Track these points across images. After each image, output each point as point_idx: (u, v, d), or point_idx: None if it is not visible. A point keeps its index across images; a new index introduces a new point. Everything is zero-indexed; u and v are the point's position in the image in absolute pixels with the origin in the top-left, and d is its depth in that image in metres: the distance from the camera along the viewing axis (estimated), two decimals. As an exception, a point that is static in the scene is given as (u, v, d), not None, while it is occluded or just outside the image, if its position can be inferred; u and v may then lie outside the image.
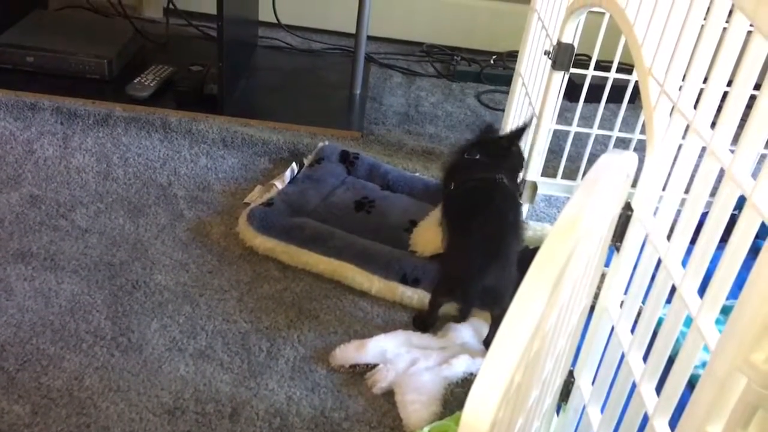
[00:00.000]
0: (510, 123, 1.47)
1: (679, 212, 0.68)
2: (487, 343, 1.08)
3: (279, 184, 1.36)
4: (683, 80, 0.68)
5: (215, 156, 1.48)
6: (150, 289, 1.12)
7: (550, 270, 0.46)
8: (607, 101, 1.40)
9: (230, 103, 1.65)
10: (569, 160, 1.49)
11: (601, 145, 1.68)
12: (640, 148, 1.51)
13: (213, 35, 1.92)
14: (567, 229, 0.48)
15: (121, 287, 1.12)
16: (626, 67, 1.38)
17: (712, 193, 0.64)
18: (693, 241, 0.64)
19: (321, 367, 1.02)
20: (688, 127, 0.66)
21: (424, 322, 1.11)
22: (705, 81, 0.64)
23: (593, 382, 0.81)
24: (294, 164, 1.43)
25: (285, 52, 2.03)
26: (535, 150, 1.29)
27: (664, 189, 0.71)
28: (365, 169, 1.44)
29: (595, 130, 1.44)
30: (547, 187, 1.43)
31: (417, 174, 1.49)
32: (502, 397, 0.45)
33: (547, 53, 1.22)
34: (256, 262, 1.21)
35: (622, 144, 1.59)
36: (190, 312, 1.09)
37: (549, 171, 1.47)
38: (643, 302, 0.72)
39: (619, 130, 1.47)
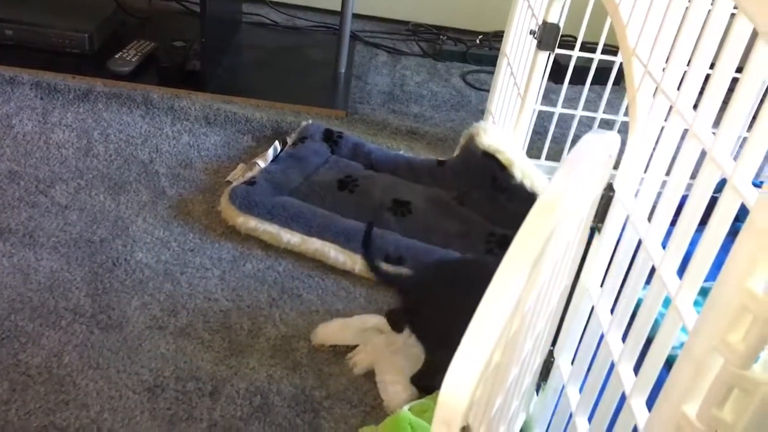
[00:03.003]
0: (495, 103, 1.47)
1: (659, 194, 0.68)
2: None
3: (261, 163, 1.35)
4: (667, 62, 0.68)
5: (198, 133, 1.46)
6: (131, 267, 1.11)
7: (529, 249, 0.46)
8: (592, 83, 1.40)
9: (213, 79, 1.63)
10: (554, 141, 1.49)
11: (586, 126, 1.68)
12: (624, 130, 1.52)
13: (196, 10, 1.89)
14: (547, 209, 0.48)
15: (101, 264, 1.11)
16: (611, 49, 1.38)
17: (693, 176, 0.65)
18: (673, 223, 0.64)
19: (302, 346, 1.02)
20: (671, 108, 0.66)
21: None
22: (688, 64, 0.64)
23: (572, 362, 0.82)
24: (277, 142, 1.42)
25: (269, 29, 2.00)
26: (519, 128, 1.29)
27: (645, 171, 0.71)
28: (349, 148, 1.44)
29: (579, 112, 1.44)
30: (531, 168, 1.43)
31: (401, 152, 1.48)
32: (480, 377, 0.45)
33: (532, 33, 1.22)
34: (239, 240, 1.20)
35: (607, 126, 1.59)
36: (171, 290, 1.08)
37: (533, 152, 1.48)
38: (623, 283, 0.73)
39: (604, 112, 1.47)
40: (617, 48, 1.30)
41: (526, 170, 1.26)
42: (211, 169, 1.38)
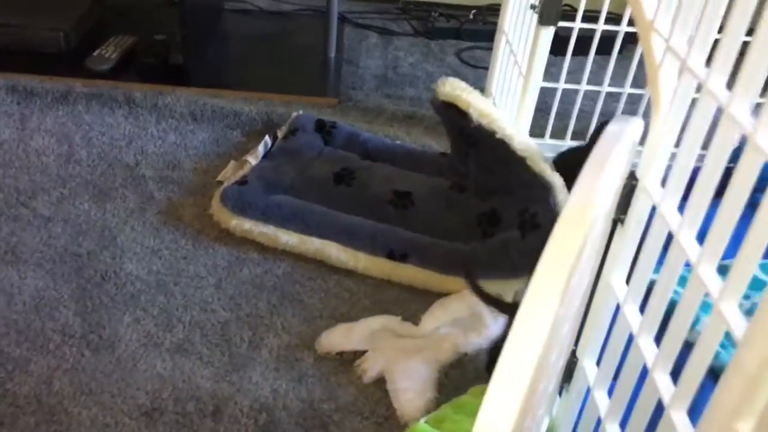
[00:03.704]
0: (495, 82, 1.40)
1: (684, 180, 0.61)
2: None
3: (252, 160, 1.28)
4: (695, 32, 0.61)
5: (184, 131, 1.39)
6: (121, 280, 1.05)
7: (562, 266, 0.40)
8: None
9: (198, 73, 1.56)
10: (557, 118, 1.42)
11: (590, 100, 1.61)
12: (630, 102, 1.45)
13: (176, 0, 1.81)
14: (578, 218, 0.42)
15: (90, 279, 1.05)
16: (612, 17, 1.31)
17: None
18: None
19: (307, 355, 0.96)
20: (699, 85, 0.59)
21: None
22: (719, 32, 0.57)
23: (598, 364, 0.76)
24: (267, 137, 1.35)
25: (253, 15, 1.93)
26: (524, 110, 1.22)
27: (672, 156, 0.65)
28: (343, 138, 1.37)
29: (583, 86, 1.37)
30: (536, 148, 1.37)
31: (398, 141, 1.42)
32: (519, 413, 0.39)
33: (533, 7, 1.15)
34: (234, 244, 1.14)
35: (611, 98, 1.52)
36: (165, 303, 1.02)
37: (536, 130, 1.41)
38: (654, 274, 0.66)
39: (608, 85, 1.40)
40: (619, 15, 1.23)
41: (482, 110, 1.16)
42: (200, 168, 1.31)
